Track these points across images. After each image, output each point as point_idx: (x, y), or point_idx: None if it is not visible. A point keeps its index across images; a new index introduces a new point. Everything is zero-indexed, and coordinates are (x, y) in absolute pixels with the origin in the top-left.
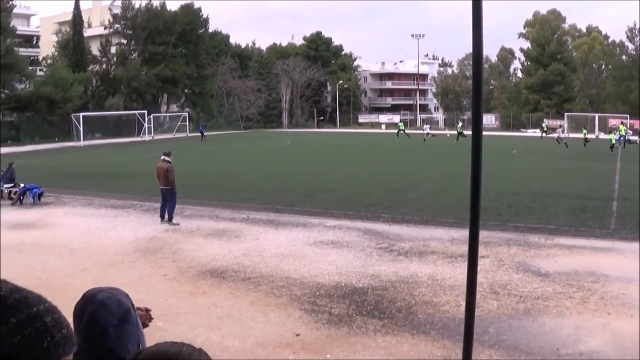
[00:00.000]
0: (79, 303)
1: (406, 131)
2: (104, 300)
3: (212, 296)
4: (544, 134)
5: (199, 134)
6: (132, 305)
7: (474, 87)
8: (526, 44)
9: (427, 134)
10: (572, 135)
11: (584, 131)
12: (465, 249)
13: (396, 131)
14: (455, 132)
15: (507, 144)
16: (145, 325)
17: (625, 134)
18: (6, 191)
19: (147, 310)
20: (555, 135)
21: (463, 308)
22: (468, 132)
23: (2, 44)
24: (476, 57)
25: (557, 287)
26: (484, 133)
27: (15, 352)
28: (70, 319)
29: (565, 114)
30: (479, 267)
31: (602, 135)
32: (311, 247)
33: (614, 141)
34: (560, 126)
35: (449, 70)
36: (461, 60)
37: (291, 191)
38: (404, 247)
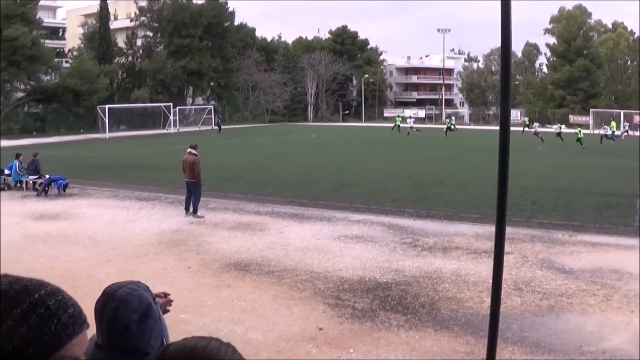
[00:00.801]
0: (99, 300)
1: (401, 126)
2: (124, 297)
3: (235, 289)
4: (525, 129)
5: (217, 127)
6: (153, 298)
7: (502, 83)
8: (552, 40)
9: (411, 127)
10: (597, 131)
11: (557, 125)
12: (489, 245)
13: (393, 125)
14: (444, 127)
15: (532, 140)
16: (165, 311)
17: (610, 130)
18: (31, 182)
19: (166, 295)
20: (532, 130)
21: (486, 304)
22: (470, 127)
23: (28, 35)
24: (504, 54)
25: (580, 285)
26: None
27: (24, 343)
28: (92, 311)
29: (591, 110)
30: None
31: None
32: (335, 242)
33: (581, 135)
34: (534, 120)
35: (475, 65)
36: (487, 55)
37: (316, 185)
38: (428, 242)
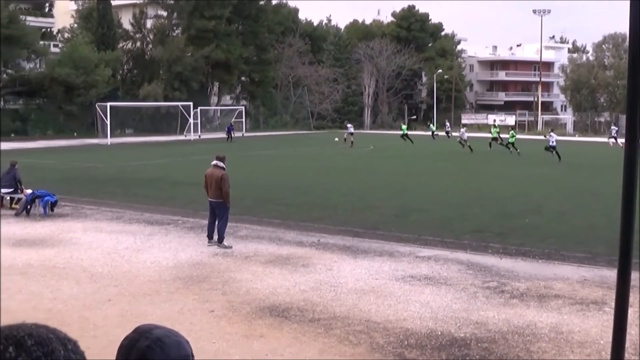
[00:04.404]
0: (128, 337)
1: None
2: (161, 337)
3: (270, 340)
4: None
5: (253, 133)
6: (193, 355)
7: (629, 81)
8: None
9: (351, 133)
10: None
11: (494, 129)
12: (599, 293)
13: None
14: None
15: None
16: None
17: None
18: (8, 198)
19: None
20: (456, 133)
21: None
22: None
23: (4, 10)
24: (634, 39)
25: None
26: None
27: None
28: None
29: None
30: None
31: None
32: (398, 283)
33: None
34: (463, 125)
35: (583, 58)
36: (598, 44)
37: (374, 210)
38: (519, 287)
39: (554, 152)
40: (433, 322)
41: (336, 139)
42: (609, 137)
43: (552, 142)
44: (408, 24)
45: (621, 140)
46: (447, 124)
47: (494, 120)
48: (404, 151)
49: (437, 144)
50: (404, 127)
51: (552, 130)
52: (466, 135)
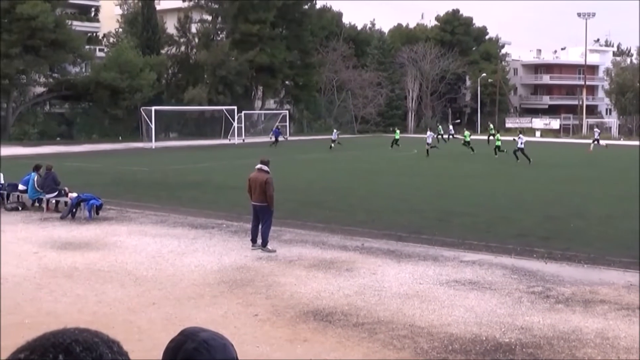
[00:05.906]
0: (175, 339)
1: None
2: (208, 340)
3: (314, 345)
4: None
5: (296, 137)
6: (238, 359)
7: None
8: None
9: (334, 140)
10: None
11: (466, 133)
12: None
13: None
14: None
15: None
16: None
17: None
18: (53, 201)
19: None
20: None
21: None
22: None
23: (50, 14)
24: None
25: None
26: None
27: None
28: None
29: None
30: None
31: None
32: (443, 288)
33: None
34: (451, 126)
35: (628, 61)
36: None
37: (418, 214)
38: (565, 292)
39: (522, 154)
40: (477, 327)
41: (332, 145)
42: (593, 140)
43: (520, 144)
44: (452, 27)
45: (603, 142)
46: (451, 127)
47: (490, 124)
48: (445, 154)
49: (483, 146)
50: (397, 132)
51: (520, 133)
52: (430, 139)
